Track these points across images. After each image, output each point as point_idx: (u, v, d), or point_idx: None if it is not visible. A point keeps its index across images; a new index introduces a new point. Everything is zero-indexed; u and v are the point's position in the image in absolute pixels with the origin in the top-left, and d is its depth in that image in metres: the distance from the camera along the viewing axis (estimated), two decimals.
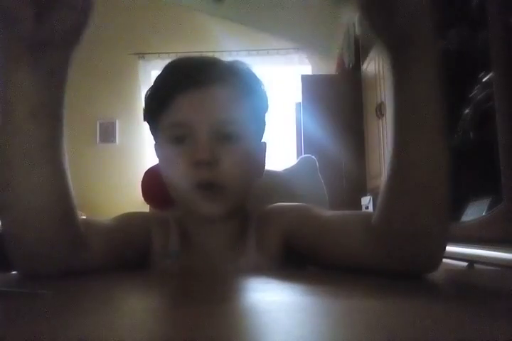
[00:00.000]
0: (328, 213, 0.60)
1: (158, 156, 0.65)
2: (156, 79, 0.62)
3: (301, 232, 0.60)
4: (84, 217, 0.54)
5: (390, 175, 0.49)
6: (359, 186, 2.74)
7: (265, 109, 0.66)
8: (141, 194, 0.87)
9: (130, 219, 0.64)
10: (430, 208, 0.47)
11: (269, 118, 0.67)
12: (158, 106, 0.60)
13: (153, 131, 0.64)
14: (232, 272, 0.59)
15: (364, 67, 2.81)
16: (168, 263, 0.62)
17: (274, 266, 0.61)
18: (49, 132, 0.45)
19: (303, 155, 0.99)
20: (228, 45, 3.32)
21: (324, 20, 0.53)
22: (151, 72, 3.51)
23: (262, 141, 0.67)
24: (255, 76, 0.64)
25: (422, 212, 0.47)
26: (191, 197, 0.58)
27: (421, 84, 0.46)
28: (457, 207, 1.50)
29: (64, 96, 0.46)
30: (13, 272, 0.52)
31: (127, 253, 0.59)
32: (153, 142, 0.65)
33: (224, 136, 0.57)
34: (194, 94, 0.57)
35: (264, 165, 0.67)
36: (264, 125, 0.67)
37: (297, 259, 0.61)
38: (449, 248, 1.29)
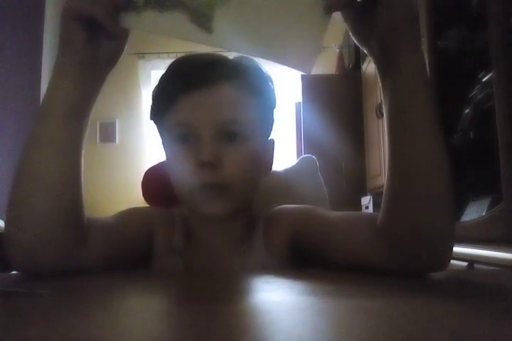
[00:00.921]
0: (334, 214, 0.60)
1: (165, 154, 0.65)
2: (161, 77, 0.62)
3: (309, 232, 0.60)
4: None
5: (390, 176, 0.50)
6: (359, 186, 2.74)
7: (273, 105, 0.65)
8: (141, 194, 0.87)
9: (131, 216, 0.63)
10: (433, 208, 0.48)
11: (277, 114, 0.66)
12: (163, 106, 0.60)
13: (159, 130, 0.64)
14: (238, 271, 0.59)
15: (364, 67, 2.81)
16: (171, 262, 0.61)
17: (281, 266, 0.61)
18: (74, 131, 0.51)
19: (303, 155, 0.99)
20: None
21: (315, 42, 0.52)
22: (151, 72, 3.51)
23: (270, 138, 0.66)
24: (263, 72, 0.63)
25: (424, 212, 0.48)
26: (195, 197, 0.58)
27: (408, 88, 0.48)
28: (457, 207, 1.50)
29: (93, 105, 0.54)
30: (13, 272, 0.52)
31: (127, 250, 0.59)
32: (161, 140, 0.65)
33: (228, 137, 0.57)
34: (198, 94, 0.57)
35: (272, 163, 0.66)
36: (273, 122, 0.66)
37: (303, 260, 0.61)
38: None
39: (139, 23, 0.48)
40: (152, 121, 0.65)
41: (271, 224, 0.64)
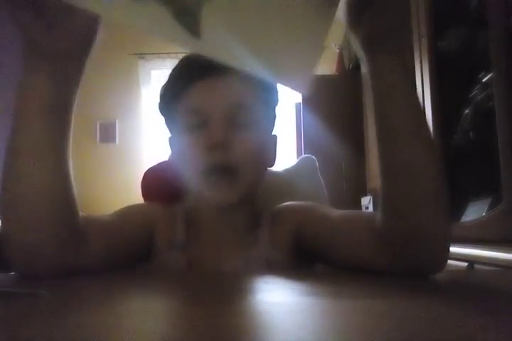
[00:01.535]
0: (335, 213, 0.61)
1: (172, 148, 0.67)
2: (172, 70, 0.64)
3: (311, 232, 0.61)
4: (82, 214, 0.53)
5: (381, 178, 0.51)
6: (359, 186, 2.73)
7: (276, 102, 0.68)
8: (141, 194, 0.87)
9: (131, 213, 0.63)
10: (424, 209, 0.48)
11: (279, 112, 0.69)
12: (174, 96, 0.62)
13: (169, 122, 0.66)
14: (241, 264, 0.60)
15: None
16: (173, 256, 0.61)
17: (285, 261, 0.62)
18: (55, 131, 0.48)
19: (303, 155, 0.99)
20: None
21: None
22: (151, 72, 3.50)
23: (273, 133, 0.69)
24: None
25: (415, 213, 0.48)
26: (204, 183, 0.59)
27: (386, 94, 0.48)
28: (457, 207, 1.50)
29: (73, 101, 0.49)
30: (13, 272, 0.52)
31: (128, 247, 0.59)
32: (168, 135, 0.67)
33: (238, 122, 0.59)
34: (209, 82, 0.60)
35: (275, 156, 0.68)
36: (275, 118, 0.68)
37: (306, 255, 0.62)
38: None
39: (107, 11, 0.37)
40: (159, 116, 0.67)
41: (277, 219, 0.65)
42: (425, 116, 0.49)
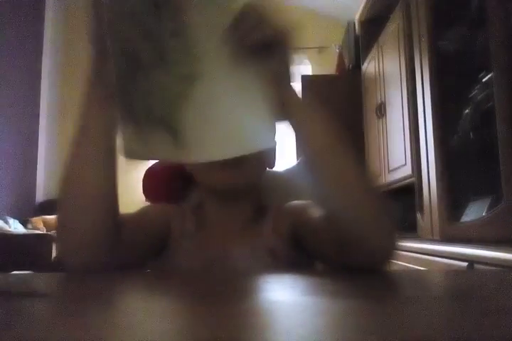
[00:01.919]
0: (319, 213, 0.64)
1: None
2: None
3: (301, 230, 0.65)
4: None
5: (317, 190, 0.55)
6: None
7: None
8: (141, 193, 0.87)
9: (150, 212, 0.71)
10: (354, 216, 0.51)
11: None
12: None
13: None
14: (247, 252, 0.66)
15: (364, 67, 2.81)
16: (185, 244, 0.68)
17: (286, 251, 0.67)
18: (111, 147, 0.56)
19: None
20: None
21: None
22: None
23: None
24: None
25: (345, 219, 0.51)
26: (215, 167, 0.64)
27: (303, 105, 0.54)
28: (457, 207, 1.50)
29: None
30: (13, 272, 0.52)
31: (151, 243, 0.66)
32: None
33: None
34: None
35: (275, 159, 0.75)
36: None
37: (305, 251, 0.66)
38: (449, 248, 1.28)
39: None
40: None
41: (279, 214, 0.70)
42: (343, 135, 0.54)
